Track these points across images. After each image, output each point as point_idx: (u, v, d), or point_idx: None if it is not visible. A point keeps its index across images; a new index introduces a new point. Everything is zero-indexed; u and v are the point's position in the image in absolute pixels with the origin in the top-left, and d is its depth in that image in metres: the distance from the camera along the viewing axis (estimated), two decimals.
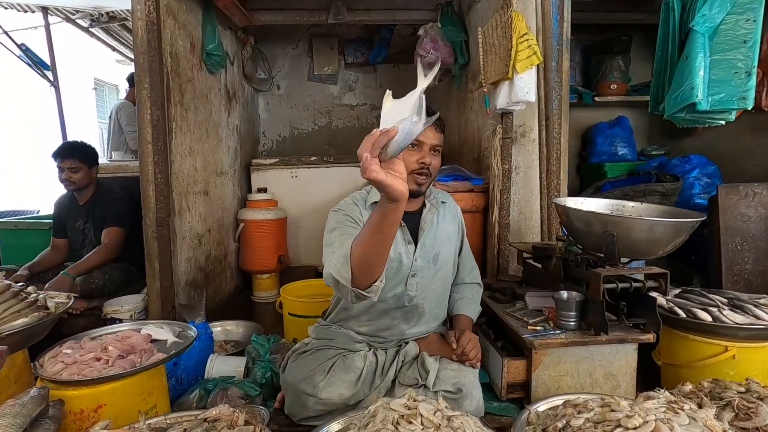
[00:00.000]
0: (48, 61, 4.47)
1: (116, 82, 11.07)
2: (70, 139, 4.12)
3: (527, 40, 2.05)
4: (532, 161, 2.44)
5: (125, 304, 2.42)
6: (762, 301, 1.77)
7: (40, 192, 7.39)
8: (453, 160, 3.14)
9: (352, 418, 1.10)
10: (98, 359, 1.37)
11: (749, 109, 1.49)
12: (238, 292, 3.34)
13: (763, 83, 3.16)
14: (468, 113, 3.09)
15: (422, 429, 0.93)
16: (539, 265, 1.94)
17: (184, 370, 1.80)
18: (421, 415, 0.97)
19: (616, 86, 3.81)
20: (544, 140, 2.37)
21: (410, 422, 0.94)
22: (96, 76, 10.26)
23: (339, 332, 1.61)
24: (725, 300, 1.76)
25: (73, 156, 2.75)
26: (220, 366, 1.91)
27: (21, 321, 1.38)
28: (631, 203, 1.67)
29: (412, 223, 1.57)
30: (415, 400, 1.02)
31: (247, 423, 1.14)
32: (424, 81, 0.93)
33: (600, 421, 1.05)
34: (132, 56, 5.31)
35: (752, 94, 1.45)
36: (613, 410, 1.06)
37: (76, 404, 1.25)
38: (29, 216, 4.28)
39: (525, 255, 2.03)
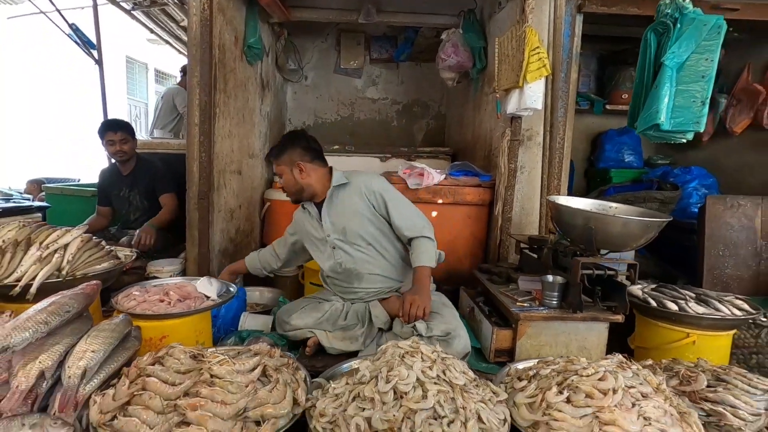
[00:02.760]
0: (94, 41, 4.81)
1: (146, 60, 11.49)
2: (110, 115, 4.49)
3: (538, 53, 2.29)
4: (536, 163, 2.68)
5: (166, 266, 2.73)
6: (727, 298, 2.02)
7: (80, 163, 7.83)
8: (465, 157, 3.40)
9: (366, 356, 1.39)
10: (162, 301, 1.69)
11: (701, 131, 1.77)
12: None
13: (766, 103, 3.36)
14: (482, 115, 3.33)
15: (422, 361, 1.22)
16: (534, 255, 2.20)
17: (223, 322, 2.12)
18: (422, 353, 1.26)
19: (627, 96, 3.98)
20: (548, 144, 2.62)
21: (413, 356, 1.23)
22: (127, 53, 10.65)
23: (326, 290, 2.23)
24: (693, 295, 2.01)
25: (124, 129, 3.09)
26: (251, 322, 2.23)
27: (103, 265, 1.70)
28: (615, 204, 1.93)
29: (320, 209, 2.07)
30: (417, 343, 1.31)
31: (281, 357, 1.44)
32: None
33: (562, 371, 1.33)
34: (169, 39, 5.64)
35: (704, 120, 1.72)
36: (573, 364, 1.34)
37: (146, 333, 1.56)
38: (72, 184, 4.65)
39: (522, 245, 2.29)
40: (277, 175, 2.12)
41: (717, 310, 1.88)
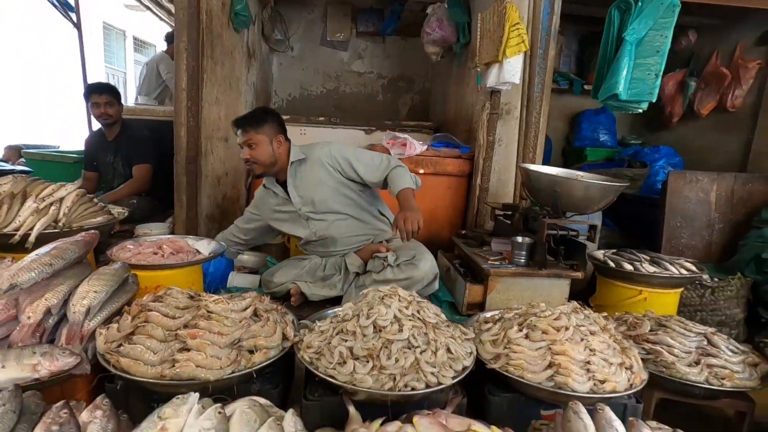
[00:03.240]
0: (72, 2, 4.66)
1: (124, 27, 11.09)
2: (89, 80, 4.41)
3: (518, 29, 2.39)
4: (513, 136, 2.82)
5: (154, 229, 2.80)
6: (678, 261, 2.22)
7: (59, 130, 7.62)
8: (447, 130, 3.51)
9: (349, 302, 1.53)
10: (155, 253, 1.78)
11: (653, 102, 1.93)
12: None
13: (731, 86, 3.56)
14: (464, 89, 3.44)
15: (399, 302, 1.36)
16: (507, 221, 2.36)
17: (212, 279, 2.23)
18: (399, 295, 1.40)
19: None
20: (524, 119, 2.75)
21: (391, 298, 1.38)
22: (105, 20, 10.27)
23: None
24: (648, 257, 2.20)
25: (109, 92, 3.08)
26: (239, 280, 2.35)
27: (98, 219, 1.78)
28: (581, 173, 2.08)
29: (285, 185, 2.16)
30: (395, 288, 1.45)
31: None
32: None
33: (523, 314, 1.50)
34: (150, 4, 5.50)
35: (656, 91, 1.88)
36: (533, 308, 1.50)
37: (141, 282, 1.66)
38: (54, 150, 4.59)
39: (497, 212, 2.45)
40: (247, 144, 2.05)
41: (667, 270, 2.08)
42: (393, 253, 1.96)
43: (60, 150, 4.57)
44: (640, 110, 1.96)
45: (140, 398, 1.25)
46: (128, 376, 1.15)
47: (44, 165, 3.91)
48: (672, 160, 3.88)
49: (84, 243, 1.47)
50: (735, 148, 3.60)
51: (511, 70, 2.42)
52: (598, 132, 4.60)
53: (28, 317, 1.24)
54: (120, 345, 1.22)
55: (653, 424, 1.12)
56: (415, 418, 1.00)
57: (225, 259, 2.33)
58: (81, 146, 3.89)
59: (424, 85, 4.78)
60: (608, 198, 1.82)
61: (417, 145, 2.81)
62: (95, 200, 1.87)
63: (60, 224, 1.69)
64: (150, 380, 1.13)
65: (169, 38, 4.53)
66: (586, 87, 4.16)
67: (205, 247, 1.98)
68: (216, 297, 1.37)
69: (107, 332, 1.25)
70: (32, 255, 1.37)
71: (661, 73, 1.80)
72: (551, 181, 1.81)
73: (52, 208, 1.69)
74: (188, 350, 1.19)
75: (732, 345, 1.60)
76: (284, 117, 3.70)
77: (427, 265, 1.94)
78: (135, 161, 3.15)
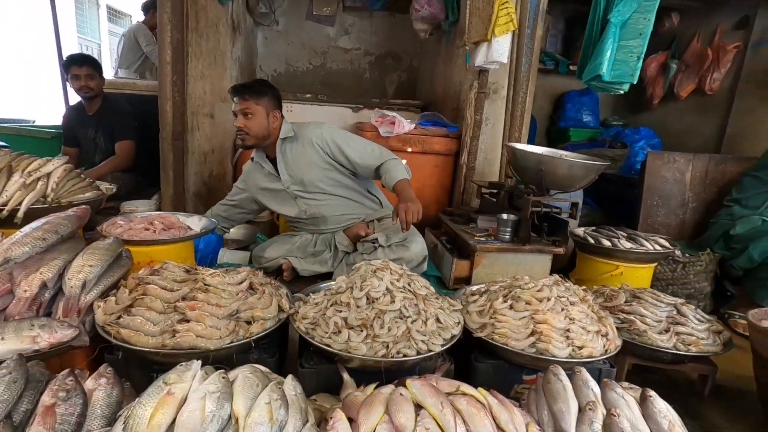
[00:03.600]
0: None
1: None
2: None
3: (507, 8, 2.40)
4: (500, 115, 2.87)
5: (140, 206, 2.78)
6: (653, 237, 2.34)
7: (33, 104, 7.32)
8: (435, 109, 3.53)
9: (342, 276, 1.58)
10: (147, 229, 1.79)
11: (635, 83, 2.00)
12: None
13: (710, 69, 3.65)
14: (452, 68, 3.44)
15: (390, 275, 1.42)
16: (492, 199, 2.43)
17: (203, 255, 2.24)
18: (390, 268, 1.45)
19: None
20: (511, 98, 2.79)
21: (383, 271, 1.43)
22: None
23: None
24: (625, 234, 2.31)
25: (90, 64, 2.98)
26: (229, 257, 2.37)
27: (87, 195, 1.77)
28: (565, 153, 2.15)
29: (274, 163, 2.16)
30: (386, 261, 1.50)
31: None
32: None
33: (508, 286, 1.57)
34: None
35: (638, 73, 1.95)
36: (518, 281, 1.58)
37: (134, 258, 1.67)
38: (30, 125, 4.44)
39: (483, 190, 2.51)
40: (243, 113, 2.02)
41: (642, 246, 2.19)
42: (383, 234, 2.01)
43: (38, 125, 4.41)
44: (622, 92, 2.02)
45: (141, 368, 1.28)
46: (129, 346, 1.18)
47: (20, 140, 3.77)
48: (651, 141, 3.99)
49: (76, 218, 1.47)
50: (711, 131, 3.72)
51: (499, 49, 2.44)
52: (582, 113, 4.69)
53: (24, 290, 1.26)
54: (119, 317, 1.24)
55: (624, 384, 1.22)
56: (408, 381, 1.07)
57: (215, 236, 2.35)
58: (57, 121, 3.77)
59: (411, 62, 4.75)
60: (590, 176, 1.89)
61: (405, 124, 2.83)
62: (82, 176, 1.85)
63: (48, 199, 1.68)
64: (152, 350, 1.17)
65: (146, 7, 4.34)
66: (571, 67, 4.20)
67: (196, 223, 1.99)
68: (212, 271, 1.40)
69: (105, 305, 1.27)
70: (25, 229, 1.37)
71: (643, 56, 1.86)
72: (537, 160, 1.87)
73: (40, 183, 1.68)
74: (187, 321, 1.22)
75: (699, 314, 1.72)
76: None
77: (418, 247, 1.99)
78: (117, 137, 3.09)
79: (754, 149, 3.06)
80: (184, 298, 1.28)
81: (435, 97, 3.85)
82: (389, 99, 4.39)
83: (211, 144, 3.16)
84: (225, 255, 2.37)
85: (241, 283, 1.41)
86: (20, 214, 1.58)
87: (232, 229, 2.85)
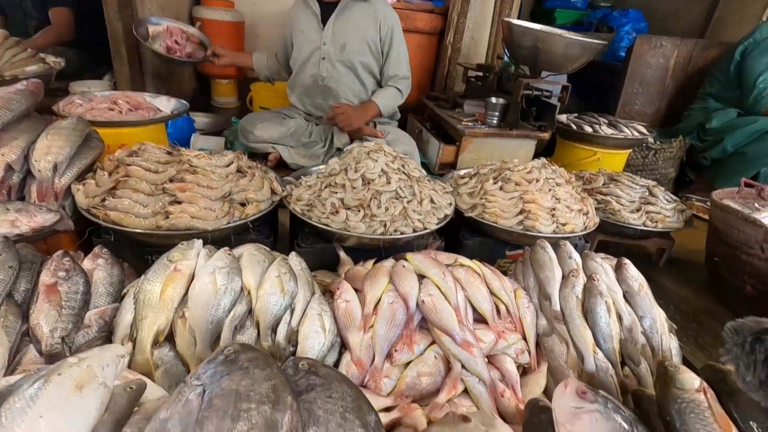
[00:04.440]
0: None
1: None
2: None
3: None
4: None
5: (93, 87, 2.49)
6: (632, 124, 2.38)
7: None
8: None
9: (334, 158, 1.54)
10: (111, 110, 1.62)
11: None
12: (196, 96, 3.44)
13: None
14: None
15: (384, 157, 1.39)
16: (479, 83, 2.33)
17: (174, 140, 2.09)
18: (384, 150, 1.42)
19: None
20: None
21: (377, 153, 1.40)
22: None
23: (291, 107, 2.23)
24: (606, 121, 2.33)
25: None
26: (203, 142, 2.24)
27: (32, 68, 1.54)
28: (559, 31, 2.03)
29: (327, 11, 1.95)
30: (379, 144, 1.46)
31: None
32: None
33: (498, 169, 1.59)
34: None
35: None
36: (507, 164, 1.60)
37: (104, 140, 1.54)
38: None
39: (470, 73, 2.39)
40: None
41: (622, 132, 2.23)
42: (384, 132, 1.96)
43: None
44: None
45: (134, 250, 1.26)
46: (123, 228, 1.14)
47: None
48: (638, 25, 3.84)
49: (29, 93, 1.29)
50: (698, 13, 3.59)
51: None
52: None
53: None
54: (104, 200, 1.18)
55: (602, 255, 1.33)
56: (409, 255, 1.11)
57: (187, 119, 2.18)
58: None
59: None
60: (585, 56, 1.82)
61: None
62: (20, 45, 1.59)
63: None
64: (147, 231, 1.14)
65: None
66: None
67: (165, 104, 1.82)
68: (196, 152, 1.32)
69: (85, 188, 1.20)
70: None
71: None
72: (533, 37, 1.76)
73: None
74: (179, 203, 1.18)
75: (668, 195, 1.84)
76: None
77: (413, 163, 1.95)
78: (50, 3, 2.62)
79: (736, 35, 2.99)
80: (171, 180, 1.21)
81: None
82: None
83: (164, 13, 2.75)
84: (198, 140, 2.23)
85: (228, 165, 1.34)
86: None
87: (198, 116, 2.67)
